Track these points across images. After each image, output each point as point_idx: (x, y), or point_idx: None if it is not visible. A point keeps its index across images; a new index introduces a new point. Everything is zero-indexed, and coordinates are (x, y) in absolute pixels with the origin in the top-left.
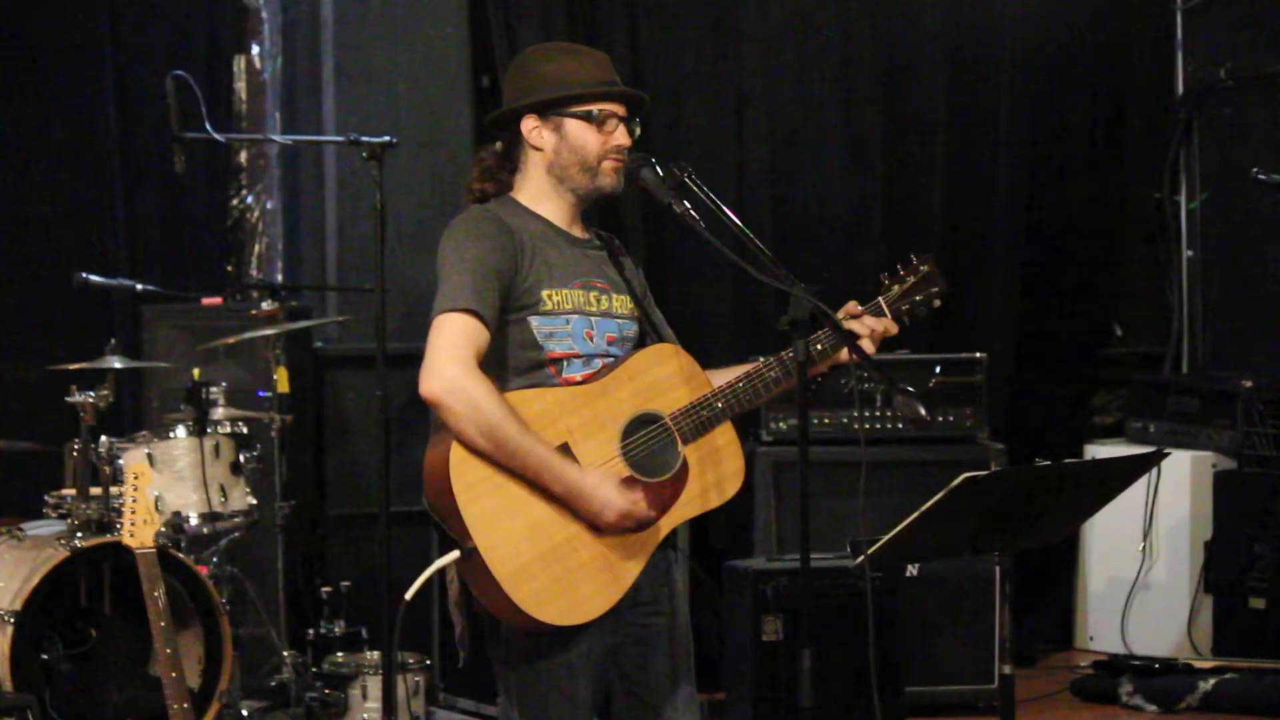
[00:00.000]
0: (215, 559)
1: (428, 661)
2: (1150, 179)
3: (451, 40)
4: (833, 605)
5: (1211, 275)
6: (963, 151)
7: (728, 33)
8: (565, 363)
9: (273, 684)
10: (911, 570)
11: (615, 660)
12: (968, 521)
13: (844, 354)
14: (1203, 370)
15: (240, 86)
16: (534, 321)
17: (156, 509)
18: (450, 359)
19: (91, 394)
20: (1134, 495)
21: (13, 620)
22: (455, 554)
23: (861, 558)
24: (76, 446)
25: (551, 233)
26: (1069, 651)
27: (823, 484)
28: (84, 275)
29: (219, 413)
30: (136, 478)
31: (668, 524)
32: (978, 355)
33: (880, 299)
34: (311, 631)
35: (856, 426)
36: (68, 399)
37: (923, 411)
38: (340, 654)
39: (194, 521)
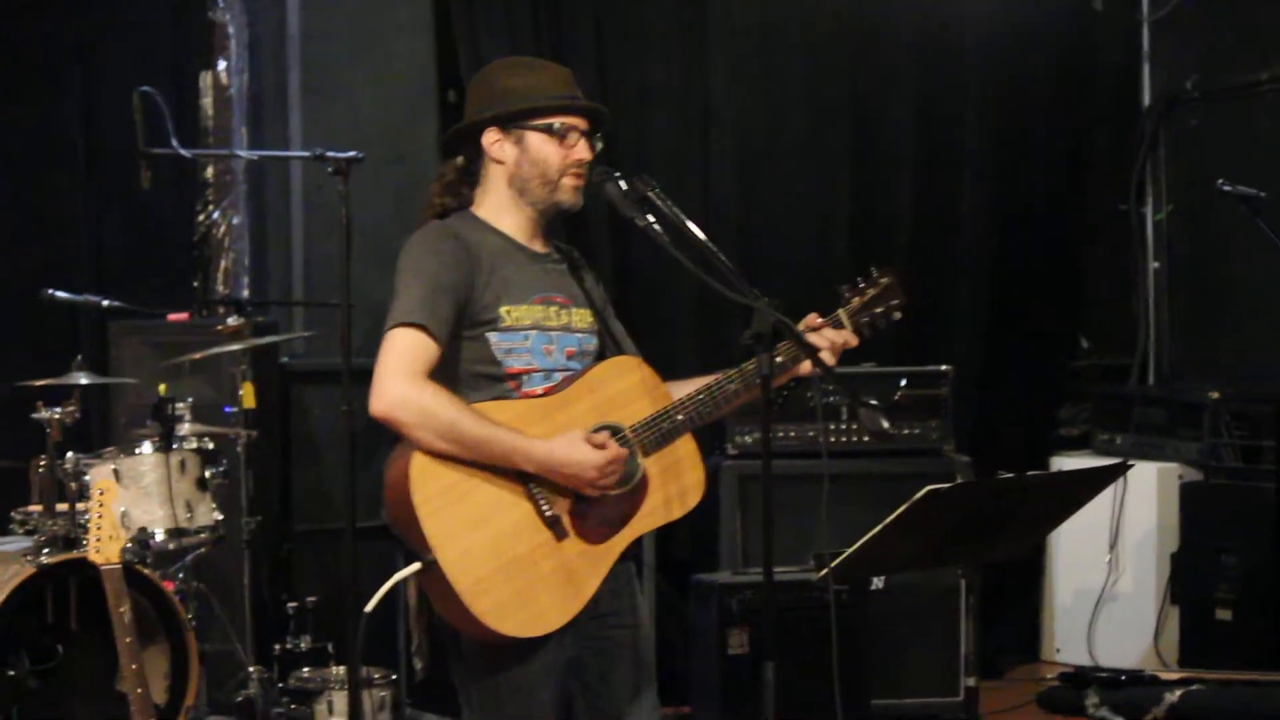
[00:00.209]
0: (181, 575)
1: (394, 676)
2: (1117, 190)
3: (418, 55)
4: (798, 618)
5: (1178, 287)
6: (929, 165)
7: (695, 49)
8: (525, 378)
9: (239, 699)
10: (877, 583)
11: (577, 672)
12: (932, 534)
13: (804, 367)
14: (1169, 382)
15: (207, 102)
16: (493, 337)
17: (122, 525)
18: (394, 375)
19: (57, 410)
20: (1101, 507)
21: None
22: (416, 566)
23: (825, 571)
24: (42, 463)
25: (511, 248)
26: (1036, 663)
27: (788, 497)
28: (50, 291)
29: (185, 428)
30: (102, 494)
31: (628, 536)
32: (943, 368)
33: (840, 311)
34: (278, 646)
35: (821, 439)
36: (33, 415)
37: (886, 424)
38: (306, 669)
39: (160, 537)
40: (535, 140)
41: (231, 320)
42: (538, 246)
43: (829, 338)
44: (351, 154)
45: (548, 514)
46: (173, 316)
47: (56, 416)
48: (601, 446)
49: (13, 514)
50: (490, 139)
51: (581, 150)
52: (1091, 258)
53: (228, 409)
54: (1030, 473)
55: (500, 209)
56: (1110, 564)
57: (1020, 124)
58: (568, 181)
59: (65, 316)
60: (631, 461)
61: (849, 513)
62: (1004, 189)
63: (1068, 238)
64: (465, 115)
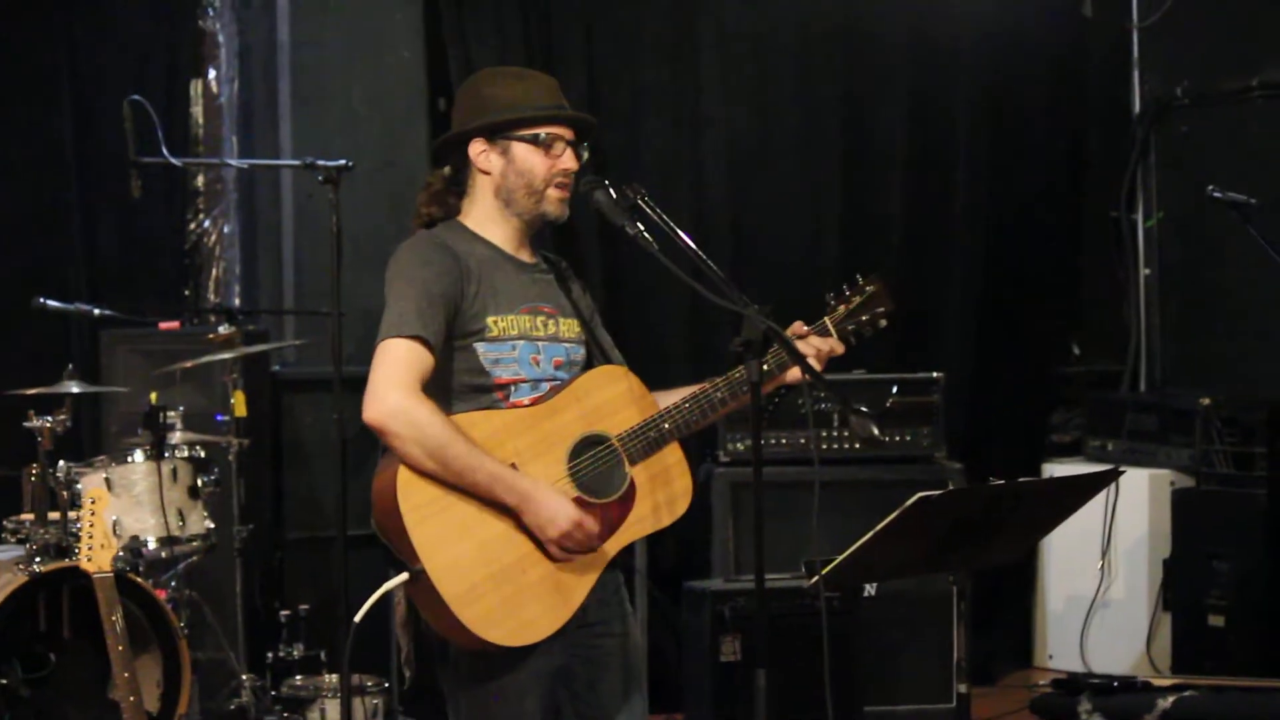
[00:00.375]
0: (173, 583)
1: (386, 684)
2: (1107, 197)
3: (408, 64)
4: (790, 625)
5: (1169, 293)
6: (921, 171)
7: (685, 55)
8: (513, 388)
9: (231, 707)
10: (870, 590)
11: (564, 681)
12: (924, 541)
13: (792, 374)
14: (1160, 388)
15: (197, 111)
16: (480, 348)
17: (114, 533)
18: (392, 385)
19: (49, 419)
20: (1093, 513)
21: None
22: (404, 575)
23: (817, 578)
24: (34, 471)
25: (498, 258)
26: (1028, 670)
27: (779, 504)
28: (41, 300)
29: (176, 437)
30: (94, 502)
31: (616, 544)
32: (935, 375)
33: (826, 319)
34: (270, 655)
35: (812, 446)
36: (25, 424)
37: (876, 431)
38: (299, 677)
39: (152, 546)
40: (521, 150)
41: (223, 328)
42: (525, 256)
43: (815, 345)
44: (342, 162)
45: None
46: (164, 325)
47: (48, 425)
48: (584, 514)
49: (4, 522)
50: (476, 149)
51: (567, 160)
52: (1083, 264)
53: (219, 417)
54: (1022, 479)
55: (487, 219)
56: (1102, 570)
57: (1011, 130)
58: (553, 192)
59: (56, 325)
60: (619, 473)
61: (840, 520)
62: (995, 195)
63: (1059, 244)
64: (453, 124)
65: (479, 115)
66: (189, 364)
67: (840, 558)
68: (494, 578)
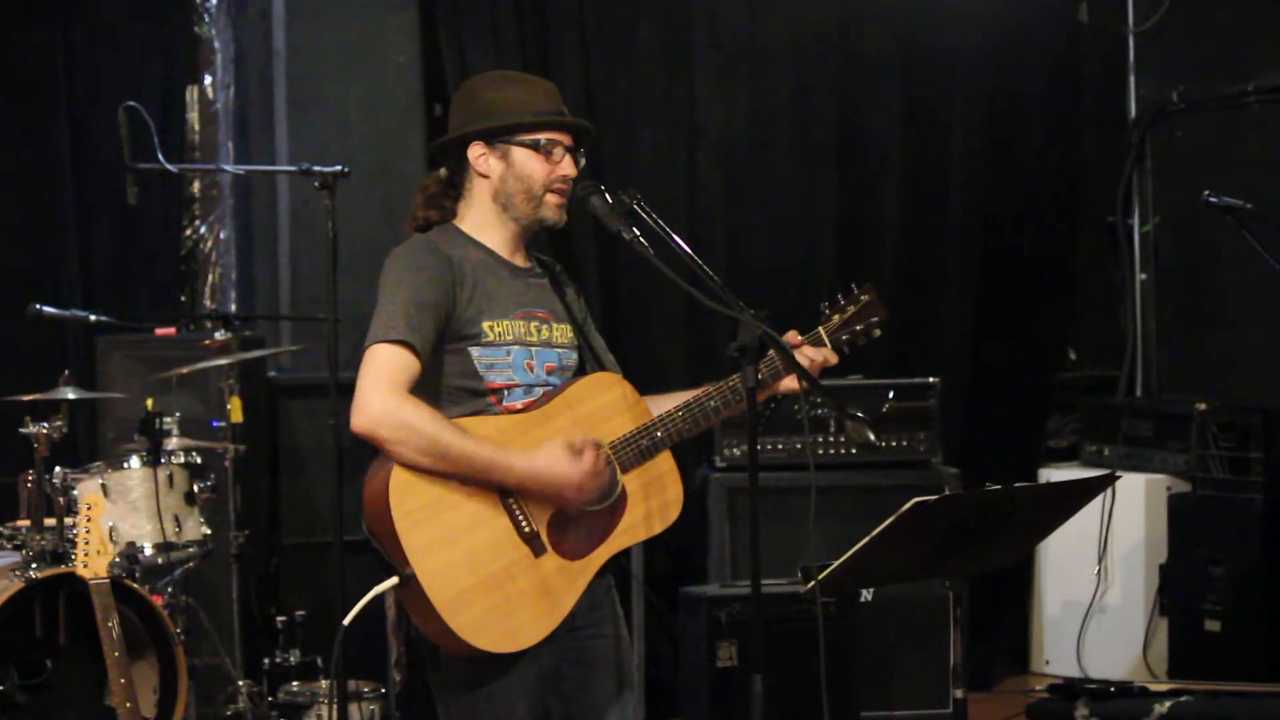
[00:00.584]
0: (170, 589)
1: (383, 690)
2: (1103, 202)
3: (404, 69)
4: (786, 630)
5: (1165, 299)
6: (916, 176)
7: (680, 61)
8: (506, 392)
9: (228, 714)
10: (866, 595)
11: (554, 684)
12: (920, 546)
13: (784, 384)
14: (1157, 394)
15: (193, 117)
16: (475, 352)
17: (111, 539)
18: (375, 391)
19: (45, 425)
20: (1089, 518)
21: None
22: (394, 580)
23: (813, 583)
24: (30, 477)
25: (493, 262)
26: (1025, 675)
27: (775, 509)
28: (37, 306)
29: (173, 443)
30: (90, 508)
31: (607, 551)
32: (931, 380)
33: (820, 328)
34: (267, 661)
35: (808, 452)
36: (21, 430)
37: (872, 436)
38: (295, 683)
39: (148, 552)
40: (520, 156)
41: (219, 335)
42: (520, 261)
43: (809, 356)
44: (338, 168)
45: (526, 529)
46: (160, 331)
47: (44, 431)
48: (580, 452)
49: (0, 529)
50: (475, 153)
51: (566, 166)
52: (1079, 269)
53: (215, 423)
54: (1018, 484)
55: (484, 223)
56: (1099, 575)
57: (1007, 135)
58: (552, 198)
59: (52, 331)
60: (612, 474)
61: (837, 525)
62: (991, 200)
63: (1055, 249)
64: (450, 128)
65: (478, 118)
66: (185, 370)
67: (837, 563)
68: (483, 584)
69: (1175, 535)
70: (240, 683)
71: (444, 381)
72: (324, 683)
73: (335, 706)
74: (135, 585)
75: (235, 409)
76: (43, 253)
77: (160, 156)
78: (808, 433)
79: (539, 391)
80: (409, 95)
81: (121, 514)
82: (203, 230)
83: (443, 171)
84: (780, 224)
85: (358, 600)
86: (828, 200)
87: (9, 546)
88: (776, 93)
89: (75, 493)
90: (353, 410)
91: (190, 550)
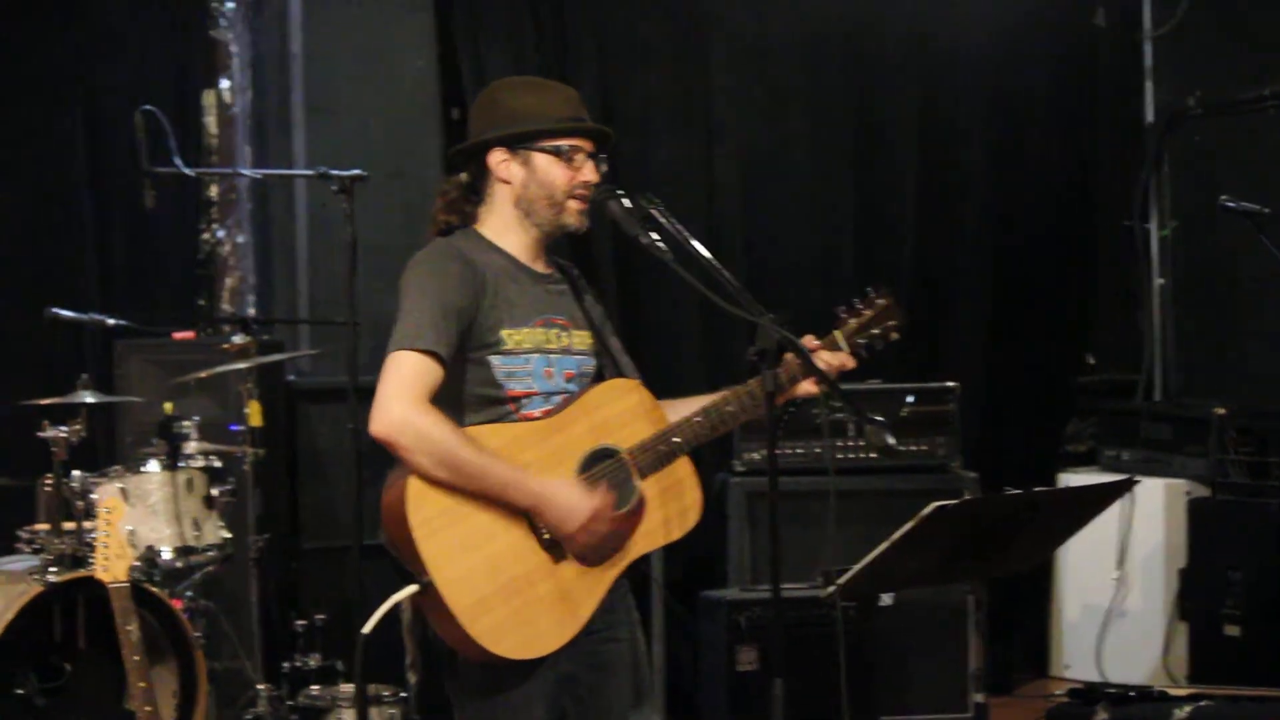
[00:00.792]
0: (189, 593)
1: (403, 694)
2: (1121, 207)
3: (421, 73)
4: (806, 635)
5: (1183, 303)
6: (933, 181)
7: (697, 65)
8: (525, 400)
9: (248, 718)
10: (886, 599)
11: (570, 688)
12: (939, 550)
13: (801, 388)
14: (1175, 398)
15: (210, 121)
16: (495, 360)
17: (130, 543)
18: (397, 398)
19: (64, 429)
20: (1108, 523)
21: None
22: (413, 588)
23: (833, 587)
24: (49, 482)
25: (513, 268)
26: (1044, 679)
27: (795, 514)
28: (55, 310)
29: (191, 447)
30: (109, 512)
31: (626, 558)
32: (950, 384)
33: (837, 333)
34: (286, 665)
35: (827, 456)
36: (40, 434)
37: (891, 441)
38: (315, 687)
39: (167, 555)
40: (542, 162)
41: (237, 338)
42: (540, 267)
43: (826, 360)
44: (355, 172)
45: (545, 536)
46: (178, 335)
47: (62, 435)
48: (596, 493)
49: (19, 533)
50: (497, 159)
51: (588, 172)
52: (1096, 274)
53: (234, 427)
54: (1037, 489)
55: (504, 228)
56: (1118, 580)
57: (1024, 140)
58: (573, 204)
59: (71, 335)
60: (628, 486)
61: (856, 529)
62: (1008, 204)
63: (1073, 254)
64: (470, 133)
65: (499, 124)
66: (204, 374)
67: (856, 567)
68: (503, 590)
69: (1194, 540)
70: (260, 686)
71: (464, 389)
72: (343, 687)
73: (357, 713)
74: (154, 589)
75: (254, 413)
76: (60, 257)
77: (177, 160)
78: (827, 437)
79: (558, 399)
80: (426, 99)
81: (141, 518)
82: (220, 234)
83: (463, 176)
84: (797, 227)
85: (377, 604)
86: (845, 205)
87: (28, 550)
88: (793, 96)
89: (94, 497)
90: (372, 414)
91: (209, 554)
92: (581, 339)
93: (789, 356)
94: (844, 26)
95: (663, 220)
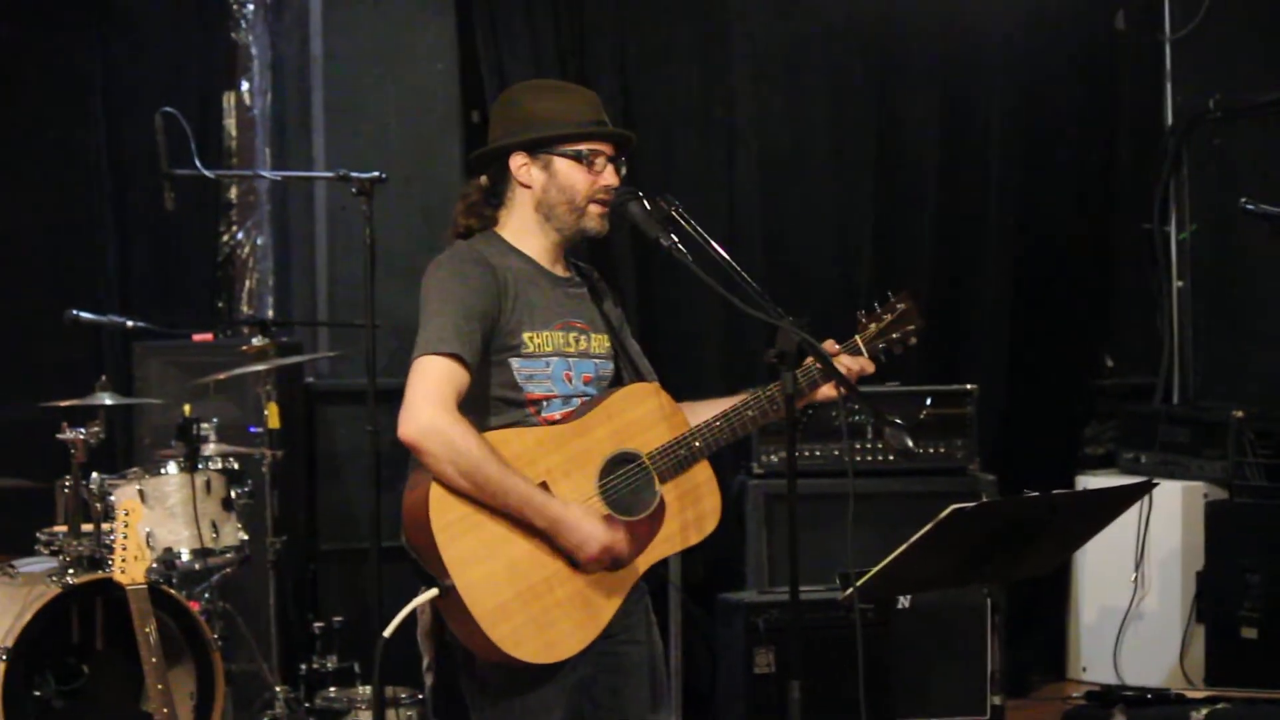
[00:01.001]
0: (207, 595)
1: (419, 696)
2: (1140, 210)
3: (441, 76)
4: (824, 637)
5: (1202, 306)
6: (953, 183)
7: (717, 66)
8: (545, 403)
9: (265, 719)
10: (904, 602)
11: (588, 691)
12: (957, 553)
13: (821, 393)
14: (1193, 401)
15: (230, 123)
16: (515, 363)
17: (148, 545)
18: (428, 403)
19: (82, 431)
20: (1126, 526)
21: (5, 656)
22: (434, 591)
23: (850, 590)
24: (68, 483)
25: (534, 272)
26: (1062, 682)
27: (813, 516)
28: (74, 312)
29: (210, 449)
30: (128, 514)
31: (645, 562)
32: (968, 387)
33: (857, 337)
34: (304, 667)
35: (846, 459)
36: (59, 436)
37: (910, 443)
38: (332, 689)
39: (185, 557)
40: (563, 166)
41: (256, 340)
42: (559, 270)
43: (846, 365)
44: (375, 174)
45: None
46: (197, 337)
47: (81, 437)
48: (615, 532)
49: (38, 534)
50: (518, 163)
51: (609, 176)
52: (1115, 277)
53: (252, 429)
54: (1056, 491)
55: (525, 231)
56: (1136, 583)
57: (1044, 142)
58: (595, 208)
59: (90, 337)
60: (650, 491)
61: (874, 532)
62: (1028, 207)
63: (1092, 256)
64: (490, 137)
65: (520, 128)
66: (222, 376)
67: (874, 570)
68: (523, 595)
69: (1212, 542)
70: (277, 688)
71: (484, 392)
72: (361, 689)
73: (374, 715)
74: (172, 591)
75: (273, 415)
76: (80, 259)
77: (197, 162)
78: (846, 439)
79: (576, 401)
80: (446, 102)
81: (159, 520)
82: (240, 236)
83: (483, 180)
84: (818, 230)
85: (395, 606)
86: (865, 207)
87: (46, 552)
88: (814, 99)
89: (112, 498)
90: (401, 417)
91: (227, 556)
92: (600, 342)
93: (809, 360)
94: (865, 28)
95: (683, 222)
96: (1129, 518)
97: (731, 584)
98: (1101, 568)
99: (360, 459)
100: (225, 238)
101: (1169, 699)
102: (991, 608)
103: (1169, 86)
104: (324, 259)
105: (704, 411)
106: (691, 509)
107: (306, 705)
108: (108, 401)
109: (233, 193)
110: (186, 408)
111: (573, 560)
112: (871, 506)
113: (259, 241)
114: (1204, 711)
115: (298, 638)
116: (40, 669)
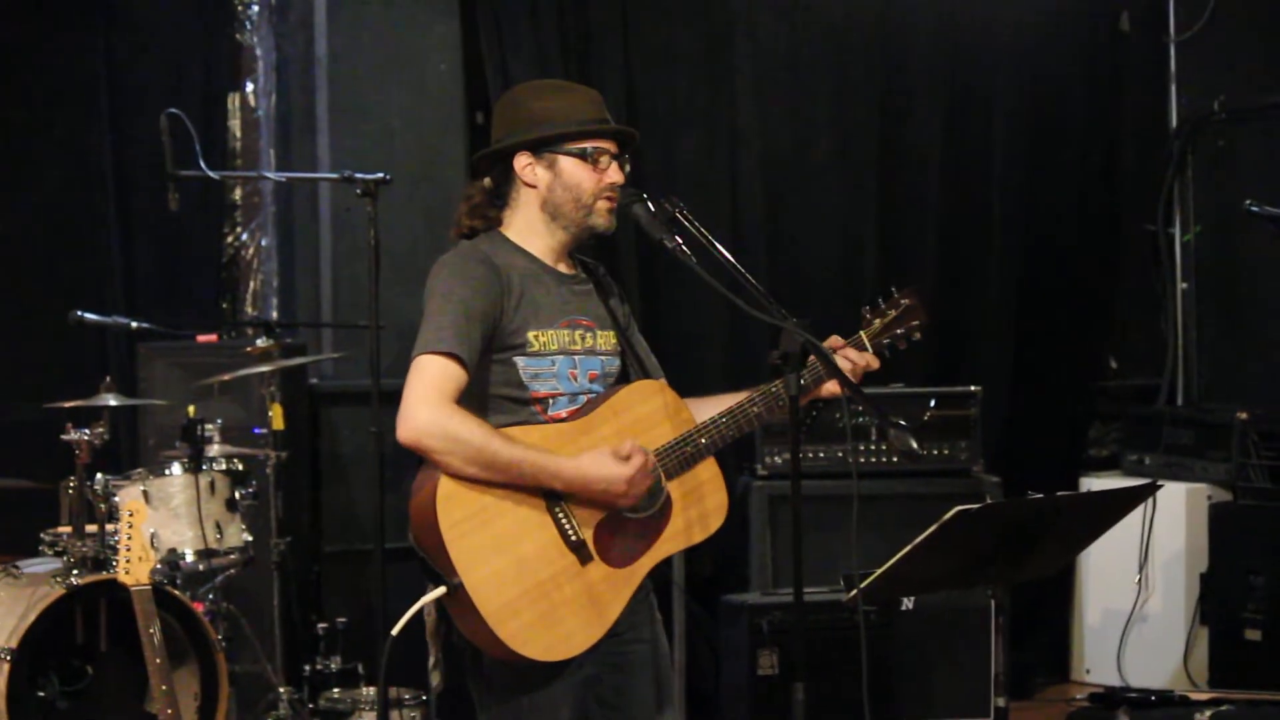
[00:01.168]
0: (211, 596)
1: (424, 696)
2: (1144, 211)
3: (445, 77)
4: (828, 639)
5: (1206, 308)
6: (957, 185)
7: (721, 68)
8: (551, 401)
9: None
10: (907, 604)
11: (594, 689)
12: (961, 555)
13: (828, 388)
14: (1198, 402)
15: (235, 124)
16: (520, 362)
17: (152, 546)
18: (422, 401)
19: (87, 432)
20: (1130, 527)
21: (9, 657)
22: (441, 589)
23: (855, 591)
24: (72, 484)
25: (539, 270)
26: (1066, 684)
27: (817, 518)
28: (79, 313)
29: (214, 450)
30: (132, 515)
31: (650, 560)
32: (972, 388)
33: (861, 333)
34: (307, 668)
35: (850, 460)
36: (63, 437)
37: (914, 444)
38: (336, 690)
39: (189, 558)
40: (568, 165)
41: (260, 342)
42: (564, 268)
43: (851, 360)
44: (379, 176)
45: (572, 538)
46: (202, 338)
47: (85, 438)
48: (628, 458)
49: (42, 535)
50: (522, 163)
51: (614, 174)
52: (1120, 278)
53: (257, 430)
54: (1060, 493)
55: (530, 231)
56: (1140, 584)
57: (1048, 144)
58: (602, 205)
59: (94, 338)
60: (656, 488)
61: (878, 533)
62: (1032, 208)
63: (1096, 258)
64: (493, 137)
65: (523, 128)
66: (227, 377)
67: (878, 571)
68: (530, 593)
69: (1216, 544)
70: (281, 689)
71: (490, 391)
72: (365, 690)
73: (379, 716)
74: (176, 592)
75: (277, 416)
76: (84, 260)
77: (202, 163)
78: (849, 441)
79: (583, 399)
80: (450, 103)
81: (163, 520)
82: (244, 237)
83: (487, 180)
84: (821, 230)
85: (399, 607)
86: (869, 207)
87: (51, 553)
88: (817, 100)
89: (117, 499)
90: (399, 421)
91: (231, 557)
92: (605, 339)
93: (813, 359)
94: (869, 29)
95: (687, 223)
96: (1133, 519)
97: (735, 585)
98: (1105, 569)
99: (364, 460)
100: (230, 239)
101: (1173, 701)
102: (995, 609)
103: (1173, 88)
104: (328, 260)
105: (709, 408)
106: (696, 507)
107: (310, 706)
108: (112, 402)
109: (237, 194)
110: (191, 409)
111: (581, 557)
112: (875, 508)
113: (263, 243)
114: (1208, 713)
115: (302, 639)
116: (44, 670)
